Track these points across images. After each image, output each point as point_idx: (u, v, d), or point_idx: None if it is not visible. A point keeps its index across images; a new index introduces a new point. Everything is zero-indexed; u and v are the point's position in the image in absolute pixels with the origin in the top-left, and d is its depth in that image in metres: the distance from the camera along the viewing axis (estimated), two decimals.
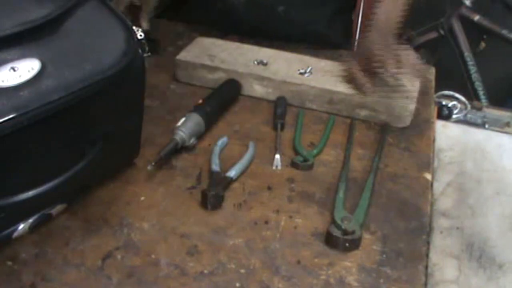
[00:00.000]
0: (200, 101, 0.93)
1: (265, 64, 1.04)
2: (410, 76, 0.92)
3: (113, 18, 0.69)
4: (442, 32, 2.35)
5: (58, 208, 0.71)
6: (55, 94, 0.59)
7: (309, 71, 1.02)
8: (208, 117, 0.90)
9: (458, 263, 0.81)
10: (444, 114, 1.29)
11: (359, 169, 0.86)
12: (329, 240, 0.72)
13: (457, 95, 1.39)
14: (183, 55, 1.05)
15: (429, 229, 0.78)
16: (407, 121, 0.97)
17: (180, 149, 0.86)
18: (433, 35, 2.39)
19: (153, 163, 0.79)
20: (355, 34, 1.36)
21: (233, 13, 1.17)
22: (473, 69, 2.28)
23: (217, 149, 0.86)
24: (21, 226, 0.67)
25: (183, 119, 0.87)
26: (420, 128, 0.98)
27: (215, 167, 0.82)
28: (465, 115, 1.27)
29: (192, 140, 0.86)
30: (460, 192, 0.93)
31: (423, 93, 1.05)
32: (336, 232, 0.72)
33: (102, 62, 0.63)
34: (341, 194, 0.79)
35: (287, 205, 0.78)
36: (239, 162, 0.83)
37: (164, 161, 0.82)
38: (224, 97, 0.97)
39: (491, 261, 0.82)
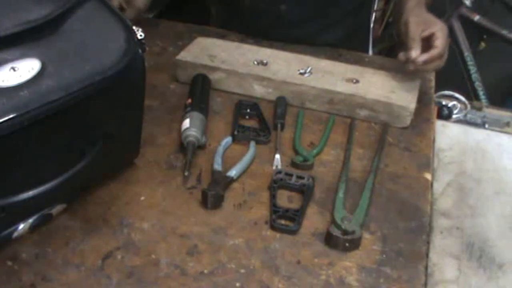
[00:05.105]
0: (189, 100, 0.92)
1: (265, 64, 1.04)
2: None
3: (113, 18, 0.69)
4: None
5: (58, 208, 0.71)
6: (55, 94, 0.59)
7: (309, 71, 1.02)
8: (206, 113, 0.91)
9: (458, 263, 0.81)
10: (444, 114, 1.28)
11: (359, 169, 0.86)
12: (329, 240, 0.72)
13: (457, 95, 1.38)
14: (183, 55, 1.05)
15: (429, 229, 0.78)
16: (407, 121, 0.97)
17: (180, 149, 0.86)
18: None
19: (186, 173, 0.79)
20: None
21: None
22: (473, 69, 2.27)
23: (220, 149, 0.86)
24: (21, 226, 0.67)
25: (187, 120, 0.87)
26: (420, 128, 0.98)
27: (218, 166, 0.82)
28: (465, 115, 1.27)
29: (204, 139, 0.86)
30: (460, 192, 0.93)
31: (423, 93, 1.05)
32: (336, 232, 0.72)
33: (102, 62, 0.63)
34: (341, 194, 0.79)
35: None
36: (239, 162, 0.83)
37: (192, 165, 0.82)
38: (205, 91, 0.97)
39: (491, 261, 0.82)
